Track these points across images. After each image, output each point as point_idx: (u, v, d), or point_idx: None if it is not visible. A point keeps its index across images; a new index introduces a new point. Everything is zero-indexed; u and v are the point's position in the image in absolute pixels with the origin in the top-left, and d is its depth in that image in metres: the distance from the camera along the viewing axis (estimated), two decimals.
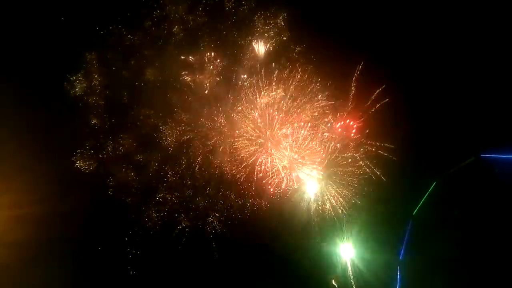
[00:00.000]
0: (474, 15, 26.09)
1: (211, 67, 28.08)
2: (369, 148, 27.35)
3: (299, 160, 28.04)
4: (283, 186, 27.54)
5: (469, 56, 26.33)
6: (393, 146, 26.75)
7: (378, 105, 26.79)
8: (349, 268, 27.92)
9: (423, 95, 27.18)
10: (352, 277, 27.61)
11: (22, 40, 25.39)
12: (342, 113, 28.04)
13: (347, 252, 28.32)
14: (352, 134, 27.80)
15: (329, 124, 28.19)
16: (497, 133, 25.15)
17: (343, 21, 27.62)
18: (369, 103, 27.19)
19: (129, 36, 26.76)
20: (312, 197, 27.78)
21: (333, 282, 27.88)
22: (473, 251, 24.28)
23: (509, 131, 24.56)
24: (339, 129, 28.20)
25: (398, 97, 26.67)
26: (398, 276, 26.67)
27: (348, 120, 28.09)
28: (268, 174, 27.59)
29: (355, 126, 28.06)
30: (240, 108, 27.95)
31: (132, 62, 27.10)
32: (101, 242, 24.85)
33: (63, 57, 25.65)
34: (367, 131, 27.38)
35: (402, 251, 27.16)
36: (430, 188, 27.05)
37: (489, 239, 24.13)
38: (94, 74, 26.52)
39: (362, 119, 27.53)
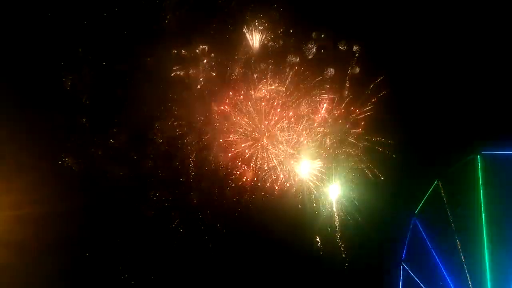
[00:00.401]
0: (475, 12, 24.79)
1: (205, 61, 27.46)
2: (367, 144, 26.67)
3: (296, 155, 27.63)
4: (279, 182, 27.30)
5: (469, 53, 25.24)
6: (391, 142, 26.03)
7: (374, 99, 25.89)
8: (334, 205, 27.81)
9: (423, 92, 26.20)
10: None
11: (20, 40, 25.12)
12: (339, 107, 27.20)
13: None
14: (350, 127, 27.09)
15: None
16: (497, 129, 24.34)
17: (342, 14, 26.38)
18: (365, 97, 26.32)
19: (123, 32, 26.25)
20: (308, 192, 27.49)
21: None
22: (475, 248, 23.49)
23: (508, 126, 23.76)
24: (337, 122, 27.49)
25: (398, 95, 26.07)
26: (401, 277, 26.42)
27: (346, 112, 27.32)
28: (264, 169, 27.39)
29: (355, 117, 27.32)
30: (235, 102, 27.50)
31: (127, 58, 26.69)
32: (100, 241, 25.10)
33: (62, 56, 25.37)
34: (365, 127, 26.57)
35: (404, 251, 26.73)
36: (431, 186, 26.23)
37: (491, 236, 23.32)
38: (91, 73, 26.29)
39: (359, 111, 26.66)
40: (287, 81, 27.05)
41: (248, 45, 27.21)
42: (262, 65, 27.03)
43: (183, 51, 27.22)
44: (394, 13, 25.80)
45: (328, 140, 27.38)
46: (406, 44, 25.95)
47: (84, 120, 26.28)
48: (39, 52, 24.93)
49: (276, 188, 27.33)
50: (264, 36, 27.03)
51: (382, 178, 26.68)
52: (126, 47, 26.36)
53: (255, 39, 27.18)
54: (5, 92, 24.35)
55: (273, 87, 27.21)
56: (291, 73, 26.93)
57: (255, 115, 27.42)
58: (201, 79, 27.43)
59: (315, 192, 27.51)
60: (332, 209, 27.58)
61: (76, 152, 25.90)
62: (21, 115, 25.15)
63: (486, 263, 23.19)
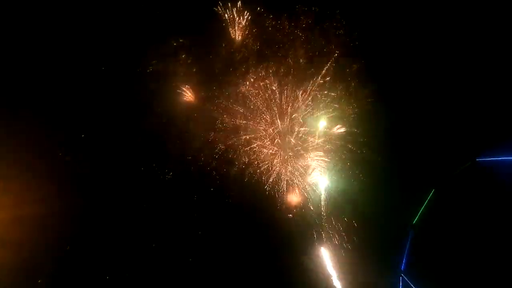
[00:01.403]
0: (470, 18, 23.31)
1: (184, 56, 26.18)
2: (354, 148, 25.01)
3: (281, 153, 26.47)
4: (262, 180, 26.54)
5: (464, 59, 23.85)
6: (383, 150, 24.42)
7: (364, 103, 24.13)
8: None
9: (416, 101, 25.07)
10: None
11: (20, 40, 25.31)
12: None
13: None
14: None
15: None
16: (491, 136, 23.36)
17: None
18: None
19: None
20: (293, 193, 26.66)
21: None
22: (474, 256, 23.71)
23: (503, 132, 22.79)
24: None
25: (392, 103, 24.85)
26: (401, 283, 26.03)
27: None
28: (247, 166, 26.57)
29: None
30: (217, 98, 26.36)
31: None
32: (99, 241, 25.55)
33: (61, 56, 25.33)
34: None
35: (403, 261, 26.06)
36: (428, 196, 25.21)
37: (489, 243, 23.42)
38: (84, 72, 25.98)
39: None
40: (271, 76, 25.32)
41: (230, 39, 25.53)
42: (246, 60, 25.48)
43: (162, 45, 26.12)
44: (385, 14, 24.14)
45: (315, 139, 25.81)
46: (399, 46, 24.46)
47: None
48: (42, 53, 25.04)
49: (261, 186, 26.55)
50: (247, 28, 25.14)
51: (372, 186, 25.14)
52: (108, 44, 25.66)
53: (237, 31, 25.35)
54: (5, 92, 25.01)
55: (263, 81, 25.64)
56: (274, 68, 25.17)
57: (238, 111, 26.25)
58: (182, 74, 26.43)
59: (304, 194, 26.60)
60: (323, 215, 26.65)
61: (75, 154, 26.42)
62: (20, 115, 25.81)
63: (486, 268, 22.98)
